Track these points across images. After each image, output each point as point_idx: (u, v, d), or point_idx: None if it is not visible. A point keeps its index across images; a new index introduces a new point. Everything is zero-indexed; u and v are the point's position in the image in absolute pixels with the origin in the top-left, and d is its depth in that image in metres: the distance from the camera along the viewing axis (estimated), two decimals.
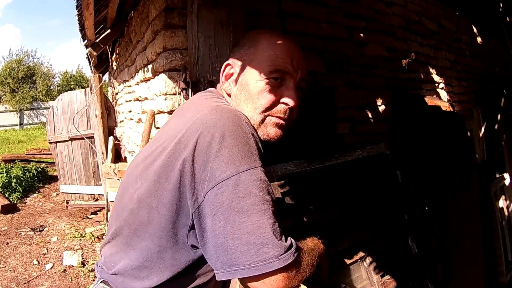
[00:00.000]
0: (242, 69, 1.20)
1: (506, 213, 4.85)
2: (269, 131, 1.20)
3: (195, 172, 0.97)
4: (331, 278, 2.17)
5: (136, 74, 3.60)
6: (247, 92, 1.18)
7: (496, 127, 5.49)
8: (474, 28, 5.45)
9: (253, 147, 1.00)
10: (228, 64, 1.23)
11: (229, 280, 1.32)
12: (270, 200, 0.96)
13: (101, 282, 1.22)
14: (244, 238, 0.90)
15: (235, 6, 1.98)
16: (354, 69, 3.12)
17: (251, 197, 0.92)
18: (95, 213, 6.50)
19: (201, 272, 1.14)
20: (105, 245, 1.24)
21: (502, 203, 4.79)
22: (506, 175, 5.08)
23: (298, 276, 0.97)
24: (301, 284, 1.03)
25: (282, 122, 1.21)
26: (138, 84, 3.61)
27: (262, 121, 1.19)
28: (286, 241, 0.95)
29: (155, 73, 2.61)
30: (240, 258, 0.90)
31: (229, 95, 1.24)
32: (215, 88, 1.34)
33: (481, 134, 5.33)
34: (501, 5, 4.92)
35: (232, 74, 1.23)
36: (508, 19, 5.19)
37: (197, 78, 1.95)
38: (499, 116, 5.49)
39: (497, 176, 5.01)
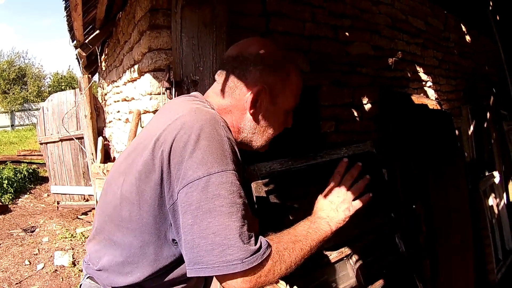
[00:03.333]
0: (272, 98, 1.21)
1: (496, 211, 4.87)
2: (266, 147, 1.32)
3: (170, 170, 1.00)
4: (316, 276, 2.18)
5: (124, 74, 3.61)
6: (272, 121, 1.25)
7: (485, 125, 5.52)
8: (463, 27, 5.48)
9: (227, 150, 1.02)
10: (261, 89, 1.18)
11: (211, 280, 1.33)
12: (240, 203, 0.98)
13: (87, 278, 1.24)
14: (210, 238, 0.93)
15: (218, 7, 1.99)
16: (339, 68, 3.13)
17: (219, 199, 0.95)
18: (85, 213, 6.49)
19: (182, 270, 1.16)
20: (90, 242, 1.26)
21: (491, 201, 4.80)
22: (496, 173, 5.10)
23: (268, 276, 1.00)
24: (280, 281, 1.04)
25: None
26: (125, 85, 3.61)
27: (268, 142, 1.30)
28: (256, 243, 0.97)
29: (141, 73, 2.62)
30: (204, 257, 0.93)
31: (253, 118, 1.22)
32: (198, 91, 1.36)
33: (470, 132, 5.34)
34: (491, 3, 4.96)
35: (259, 98, 1.20)
36: (498, 18, 5.23)
37: (180, 77, 1.97)
38: (488, 114, 5.52)
39: (487, 174, 5.03)
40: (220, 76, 1.26)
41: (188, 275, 0.97)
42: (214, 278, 1.24)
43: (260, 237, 1.01)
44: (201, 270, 0.94)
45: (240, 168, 1.08)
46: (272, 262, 1.01)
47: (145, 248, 1.10)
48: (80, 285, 1.27)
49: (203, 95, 1.30)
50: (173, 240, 1.08)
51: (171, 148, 1.00)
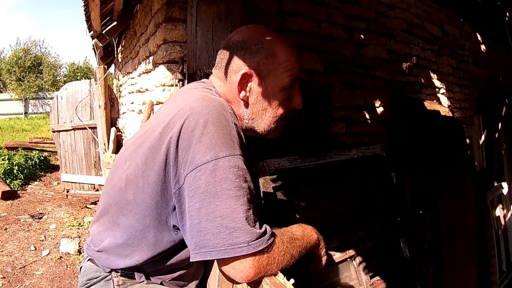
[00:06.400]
0: (261, 79, 1.23)
1: (502, 222, 4.85)
2: (278, 131, 1.33)
3: (178, 155, 1.02)
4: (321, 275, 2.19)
5: (139, 66, 3.66)
6: (267, 103, 1.25)
7: (496, 135, 5.48)
8: (478, 35, 5.44)
9: (234, 135, 1.05)
10: (246, 74, 1.22)
11: (210, 267, 1.35)
12: (246, 187, 1.00)
13: (88, 260, 1.27)
14: (217, 221, 0.95)
15: (233, 2, 2.01)
16: (353, 70, 3.14)
17: (226, 182, 0.97)
18: (94, 203, 6.52)
19: (181, 256, 1.19)
20: (93, 224, 1.29)
21: (499, 212, 4.78)
22: (504, 184, 5.07)
23: (271, 264, 1.01)
24: (279, 272, 1.06)
25: (285, 122, 1.32)
26: (140, 76, 3.66)
27: (276, 125, 1.29)
28: (260, 228, 0.99)
29: (155, 65, 2.66)
30: (211, 240, 0.95)
31: (246, 103, 1.27)
32: (207, 78, 1.37)
33: (481, 142, 5.32)
34: (507, 14, 4.93)
35: (247, 83, 1.24)
36: None
37: (193, 70, 1.99)
38: (500, 125, 5.48)
39: (495, 184, 5.00)
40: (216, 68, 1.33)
41: (192, 260, 0.99)
42: (214, 266, 1.26)
43: (265, 224, 1.03)
44: (208, 253, 0.96)
45: (247, 154, 1.10)
46: (278, 251, 1.03)
47: (146, 231, 1.12)
48: (81, 267, 1.30)
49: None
50: (174, 226, 1.11)
51: (179, 133, 1.02)
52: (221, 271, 1.08)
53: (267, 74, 1.23)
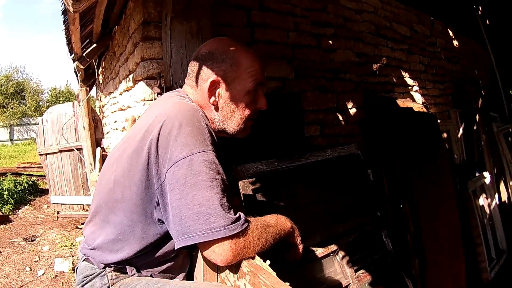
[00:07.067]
0: (228, 85, 1.38)
1: (487, 211, 4.95)
2: (247, 131, 1.48)
3: (158, 154, 1.16)
4: (304, 269, 2.27)
5: (120, 84, 3.75)
6: (235, 105, 1.40)
7: (475, 127, 5.61)
8: (450, 32, 5.59)
9: (206, 134, 1.19)
10: (214, 81, 1.36)
11: (196, 259, 1.46)
12: (219, 178, 1.14)
13: (83, 260, 1.38)
14: (195, 208, 1.08)
15: (204, 19, 2.14)
16: (322, 74, 3.27)
17: (201, 174, 1.11)
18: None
19: (167, 248, 1.32)
20: (86, 225, 1.40)
21: (482, 201, 4.89)
22: (486, 174, 5.20)
23: (247, 247, 1.14)
24: (256, 256, 1.17)
25: (253, 122, 1.47)
26: (121, 94, 3.74)
27: (244, 125, 1.43)
28: (235, 214, 1.12)
29: (135, 82, 2.77)
30: (191, 226, 1.07)
31: (216, 107, 1.41)
32: (181, 88, 1.52)
33: (459, 135, 5.42)
34: (480, 8, 5.09)
35: (216, 89, 1.38)
36: (488, 22, 5.36)
37: (170, 84, 2.11)
38: (477, 117, 5.61)
39: (477, 175, 5.11)
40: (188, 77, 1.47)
41: (176, 247, 1.11)
42: (199, 258, 1.37)
43: (240, 212, 1.15)
44: (189, 239, 1.08)
45: (218, 150, 1.22)
46: (253, 235, 1.16)
47: (134, 226, 1.24)
48: (77, 268, 1.40)
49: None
50: (159, 220, 1.23)
51: (158, 135, 1.16)
52: (203, 257, 1.21)
53: (233, 80, 1.37)
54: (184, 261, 1.46)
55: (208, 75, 1.37)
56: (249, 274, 1.12)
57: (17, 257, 4.92)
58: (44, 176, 7.49)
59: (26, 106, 25.76)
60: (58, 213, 6.83)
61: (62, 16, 3.68)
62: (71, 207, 6.83)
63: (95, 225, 1.35)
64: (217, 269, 1.33)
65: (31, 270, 4.54)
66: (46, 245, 5.45)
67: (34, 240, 5.71)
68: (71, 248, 5.30)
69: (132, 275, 1.32)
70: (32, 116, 25.15)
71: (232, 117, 1.41)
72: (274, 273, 1.10)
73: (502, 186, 5.54)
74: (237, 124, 1.42)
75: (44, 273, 4.45)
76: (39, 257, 4.95)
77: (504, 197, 5.46)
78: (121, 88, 3.60)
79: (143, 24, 2.42)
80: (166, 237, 1.27)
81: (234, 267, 1.19)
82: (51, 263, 4.75)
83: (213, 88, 1.37)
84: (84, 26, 3.94)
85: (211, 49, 1.40)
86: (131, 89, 3.09)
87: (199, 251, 1.25)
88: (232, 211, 1.12)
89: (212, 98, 1.38)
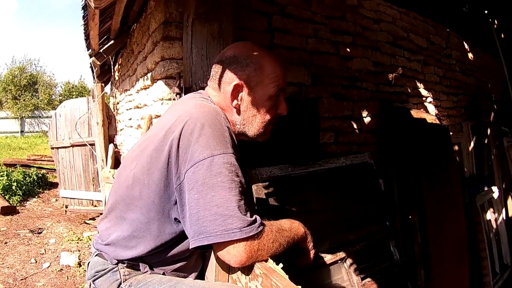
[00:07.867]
0: (251, 90, 1.41)
1: (494, 225, 4.93)
2: (267, 135, 1.50)
3: (179, 154, 1.18)
4: (312, 274, 2.28)
5: (137, 82, 3.77)
6: (257, 110, 1.43)
7: (486, 141, 5.58)
8: (466, 44, 5.56)
9: (227, 137, 1.21)
10: (238, 85, 1.39)
11: (208, 260, 1.48)
12: (238, 181, 1.16)
13: (96, 255, 1.40)
14: (213, 209, 1.09)
15: (225, 21, 2.16)
16: (339, 82, 3.28)
17: (221, 176, 1.12)
18: (93, 218, 6.54)
19: (182, 248, 1.33)
20: (101, 221, 1.43)
21: (490, 215, 4.86)
22: (495, 188, 5.16)
23: (261, 250, 1.15)
24: (269, 259, 1.19)
25: (273, 127, 1.50)
26: (138, 92, 3.77)
27: (264, 130, 1.46)
28: (251, 217, 1.14)
29: (154, 81, 2.79)
30: (208, 227, 1.09)
31: (238, 110, 1.43)
32: (203, 89, 1.54)
33: (470, 148, 5.41)
34: (496, 21, 5.07)
35: (239, 93, 1.41)
36: (502, 36, 5.33)
37: (190, 84, 2.13)
38: (489, 131, 5.59)
39: (486, 189, 5.09)
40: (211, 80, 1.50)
41: (191, 246, 1.13)
42: (211, 258, 1.39)
43: (256, 215, 1.17)
44: (205, 239, 1.09)
45: (238, 153, 1.24)
46: (267, 238, 1.17)
47: (150, 224, 1.26)
48: (88, 262, 1.42)
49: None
50: (175, 218, 1.25)
51: (180, 135, 1.18)
52: (217, 257, 1.23)
53: (256, 84, 1.40)
54: (197, 261, 1.48)
55: (231, 78, 1.40)
56: (261, 276, 1.13)
57: (23, 248, 4.94)
58: (54, 169, 7.53)
59: (38, 99, 25.67)
60: (66, 207, 6.86)
61: (82, 11, 3.69)
62: (80, 202, 6.86)
63: (111, 221, 1.38)
64: (229, 270, 1.35)
65: (36, 262, 4.55)
66: (53, 238, 5.47)
67: (41, 232, 5.73)
68: (77, 242, 5.32)
69: (145, 272, 1.34)
70: (44, 109, 25.07)
71: (253, 121, 1.43)
72: (287, 276, 1.11)
73: (509, 201, 5.49)
74: (257, 128, 1.44)
75: (49, 266, 4.46)
76: (45, 249, 4.97)
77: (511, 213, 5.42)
78: (138, 86, 3.62)
79: (164, 23, 2.43)
80: (181, 236, 1.29)
81: (247, 269, 1.20)
82: (57, 256, 4.76)
83: (236, 91, 1.40)
84: (103, 23, 3.98)
85: (235, 53, 1.43)
86: (148, 87, 3.11)
87: (213, 252, 1.28)
88: (248, 214, 1.13)
89: (235, 102, 1.40)
